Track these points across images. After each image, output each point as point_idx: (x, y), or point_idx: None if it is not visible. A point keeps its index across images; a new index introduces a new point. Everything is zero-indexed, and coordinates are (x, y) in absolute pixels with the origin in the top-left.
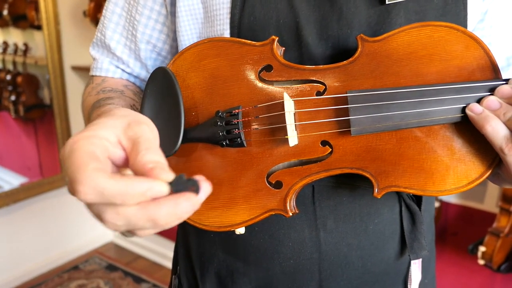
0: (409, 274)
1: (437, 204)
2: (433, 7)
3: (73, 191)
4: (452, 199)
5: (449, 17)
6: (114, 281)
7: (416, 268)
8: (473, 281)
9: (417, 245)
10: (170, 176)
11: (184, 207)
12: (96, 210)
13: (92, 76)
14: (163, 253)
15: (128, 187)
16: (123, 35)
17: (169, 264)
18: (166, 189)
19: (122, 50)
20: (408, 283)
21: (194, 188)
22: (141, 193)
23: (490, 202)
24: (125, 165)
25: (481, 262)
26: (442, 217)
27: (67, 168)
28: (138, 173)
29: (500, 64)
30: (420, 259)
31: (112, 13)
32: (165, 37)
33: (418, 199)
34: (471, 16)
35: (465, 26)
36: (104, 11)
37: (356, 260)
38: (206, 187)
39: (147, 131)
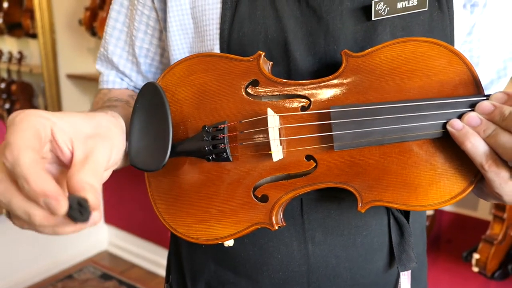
0: (399, 286)
1: (431, 212)
2: (419, 23)
3: (2, 152)
4: (445, 206)
5: (436, 32)
6: None
7: (405, 279)
8: None
9: (406, 257)
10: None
11: (63, 228)
12: None
13: (100, 89)
14: (158, 262)
15: (36, 179)
16: (125, 50)
17: (164, 272)
18: (63, 211)
19: (125, 64)
20: None
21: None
22: (40, 192)
23: (484, 209)
24: (65, 166)
25: (475, 269)
26: (436, 225)
27: (10, 133)
28: (70, 185)
29: (491, 77)
30: (410, 270)
31: (113, 28)
32: (162, 51)
33: (406, 212)
34: (459, 30)
35: (452, 40)
36: (106, 26)
37: (344, 272)
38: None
39: (104, 152)
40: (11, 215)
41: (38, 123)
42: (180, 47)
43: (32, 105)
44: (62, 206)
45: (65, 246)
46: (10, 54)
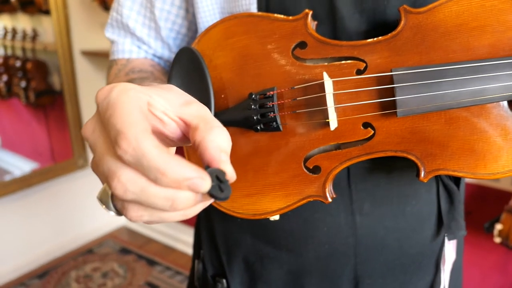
0: (443, 254)
1: None
2: None
3: (115, 143)
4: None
5: None
6: (128, 264)
7: (450, 248)
8: (488, 259)
9: (455, 225)
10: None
11: (196, 208)
12: (110, 167)
13: (114, 59)
14: (175, 236)
15: (172, 167)
16: (141, 13)
17: (181, 247)
18: (207, 188)
19: (141, 30)
20: (441, 263)
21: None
22: (182, 179)
23: (506, 180)
24: (173, 143)
25: (497, 240)
26: None
27: (112, 116)
28: (201, 150)
29: None
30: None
31: None
32: (184, 13)
33: (456, 178)
34: None
35: None
36: None
37: (393, 242)
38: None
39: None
40: (121, 206)
41: (138, 98)
42: (210, 8)
43: (47, 83)
44: (207, 182)
45: (84, 221)
46: (24, 32)
